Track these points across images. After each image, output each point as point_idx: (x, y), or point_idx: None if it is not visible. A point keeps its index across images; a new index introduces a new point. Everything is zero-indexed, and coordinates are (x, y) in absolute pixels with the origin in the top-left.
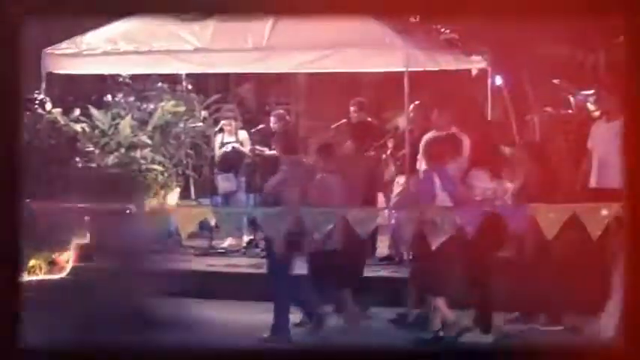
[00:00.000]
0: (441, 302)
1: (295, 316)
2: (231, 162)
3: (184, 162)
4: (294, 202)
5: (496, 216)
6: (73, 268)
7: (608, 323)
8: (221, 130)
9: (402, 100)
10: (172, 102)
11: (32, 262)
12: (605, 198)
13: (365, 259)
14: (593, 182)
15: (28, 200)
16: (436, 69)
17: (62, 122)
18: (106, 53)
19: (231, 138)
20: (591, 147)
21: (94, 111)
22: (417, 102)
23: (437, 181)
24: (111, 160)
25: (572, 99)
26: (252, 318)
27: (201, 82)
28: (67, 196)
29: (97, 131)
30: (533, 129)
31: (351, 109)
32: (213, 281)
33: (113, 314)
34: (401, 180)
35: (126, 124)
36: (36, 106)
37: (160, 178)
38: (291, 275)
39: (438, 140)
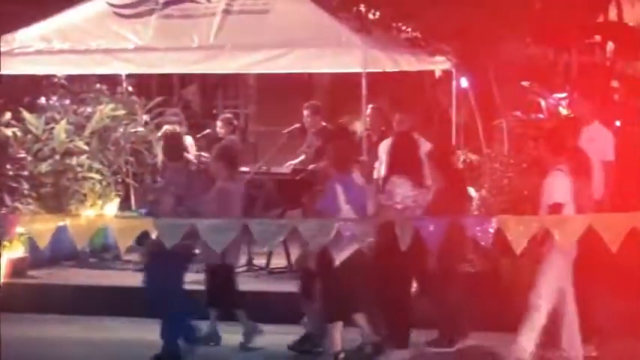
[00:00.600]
0: (360, 318)
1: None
2: None
3: (124, 170)
4: (167, 212)
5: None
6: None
7: (524, 344)
8: None
9: (359, 104)
10: (111, 105)
11: None
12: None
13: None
14: None
15: None
16: (396, 70)
17: None
18: (39, 52)
19: None
20: None
21: (26, 115)
22: (373, 105)
23: (340, 192)
24: (45, 167)
25: (543, 102)
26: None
27: (143, 84)
28: None
29: (29, 136)
30: (501, 134)
31: (305, 112)
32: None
33: None
34: None
35: (61, 129)
36: None
37: (98, 187)
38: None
39: (343, 147)
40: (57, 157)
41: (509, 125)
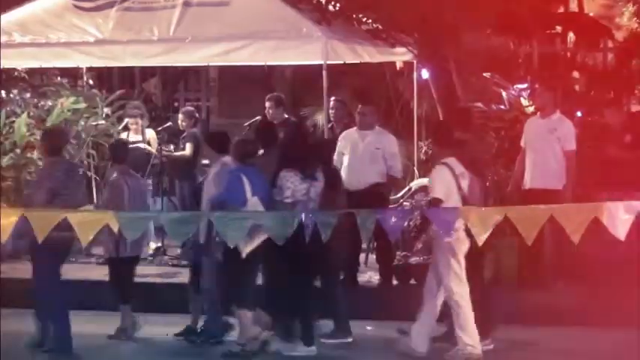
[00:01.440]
0: (246, 314)
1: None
2: (138, 163)
3: (85, 163)
4: (40, 206)
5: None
6: None
7: (467, 340)
8: (126, 128)
9: (321, 95)
10: (72, 98)
11: None
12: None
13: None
14: (527, 183)
15: None
16: (357, 62)
17: None
18: None
19: (137, 137)
20: (525, 145)
21: None
22: (336, 97)
23: (246, 183)
24: (5, 161)
25: (504, 94)
26: None
27: (104, 77)
28: None
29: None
30: None
31: (267, 104)
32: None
33: None
34: None
35: (22, 123)
36: None
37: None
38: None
39: (246, 141)
40: (18, 150)
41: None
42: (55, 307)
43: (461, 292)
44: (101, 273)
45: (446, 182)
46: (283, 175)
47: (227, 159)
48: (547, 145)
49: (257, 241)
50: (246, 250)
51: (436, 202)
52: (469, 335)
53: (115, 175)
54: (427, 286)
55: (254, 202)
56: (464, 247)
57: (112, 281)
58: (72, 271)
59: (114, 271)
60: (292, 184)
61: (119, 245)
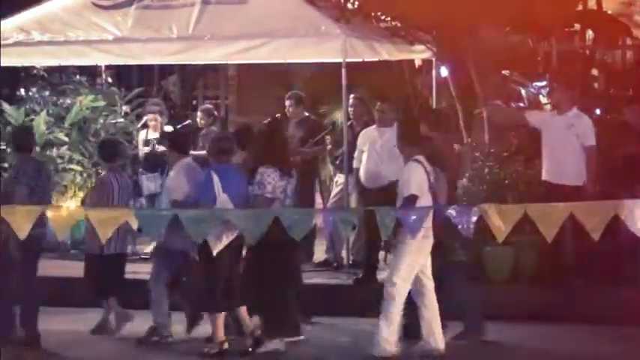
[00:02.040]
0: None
1: None
2: (157, 161)
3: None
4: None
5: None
6: None
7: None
8: (145, 125)
9: (340, 93)
10: (91, 96)
11: None
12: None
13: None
14: (546, 179)
15: None
16: (376, 59)
17: None
18: (18, 44)
19: (155, 134)
20: (545, 142)
21: (5, 106)
22: (355, 95)
23: (217, 181)
24: None
25: (523, 91)
26: None
27: (123, 75)
28: None
29: (9, 128)
30: (482, 123)
31: (287, 102)
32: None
33: None
34: (340, 179)
35: (41, 121)
36: None
37: (79, 178)
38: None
39: (222, 138)
40: (37, 148)
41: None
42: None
43: (401, 286)
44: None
45: (419, 179)
46: (263, 170)
47: (188, 159)
48: (566, 142)
49: (226, 240)
50: (217, 248)
51: (412, 199)
52: (391, 331)
53: (103, 173)
54: (413, 290)
55: (223, 200)
56: (426, 246)
57: (93, 277)
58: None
59: (97, 268)
60: (273, 179)
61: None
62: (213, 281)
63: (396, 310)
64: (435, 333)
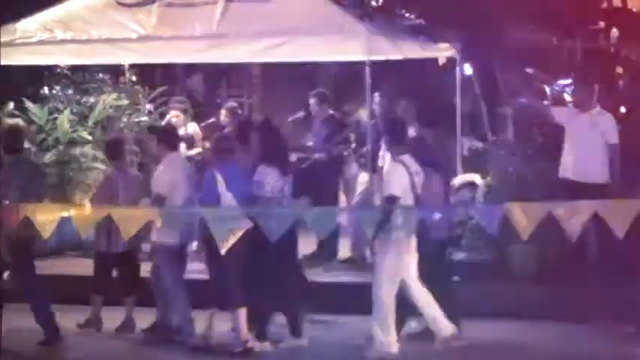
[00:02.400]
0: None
1: None
2: None
3: (128, 160)
4: None
5: None
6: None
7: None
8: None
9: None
10: (114, 95)
11: None
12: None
13: None
14: (570, 177)
15: None
16: (400, 58)
17: None
18: (41, 42)
19: (179, 131)
20: (568, 140)
21: (29, 105)
22: (379, 93)
23: (220, 180)
24: (48, 157)
25: (547, 89)
26: None
27: (146, 74)
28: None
29: (33, 127)
30: (506, 121)
31: (311, 101)
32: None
33: None
34: (364, 178)
35: (64, 119)
36: None
37: (102, 177)
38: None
39: (225, 137)
40: (61, 147)
41: (513, 112)
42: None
43: (389, 289)
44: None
45: (401, 179)
46: (262, 170)
47: (176, 154)
48: (590, 140)
49: (234, 238)
50: (225, 247)
51: (392, 200)
52: (385, 332)
53: (109, 170)
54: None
55: (228, 199)
56: (405, 246)
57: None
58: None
59: (101, 265)
60: (272, 179)
61: (110, 240)
62: (228, 278)
63: (386, 311)
64: (442, 324)
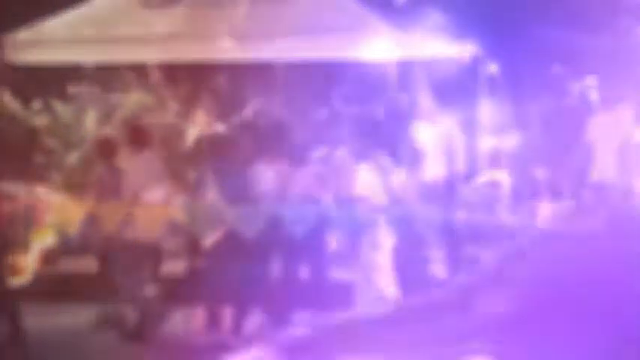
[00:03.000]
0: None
1: None
2: None
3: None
4: None
5: None
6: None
7: None
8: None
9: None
10: (140, 94)
11: None
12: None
13: None
14: (595, 176)
15: None
16: (424, 55)
17: (22, 115)
18: (68, 41)
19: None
20: (592, 138)
21: (56, 103)
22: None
23: (211, 177)
24: (74, 156)
25: (572, 88)
26: None
27: (173, 72)
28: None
29: (59, 125)
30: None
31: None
32: None
33: None
34: None
35: (90, 118)
36: None
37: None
38: None
39: (216, 137)
40: (86, 145)
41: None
42: None
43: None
44: None
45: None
46: (256, 168)
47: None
48: (615, 139)
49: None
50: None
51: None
52: None
53: (103, 168)
54: None
55: (218, 197)
56: (387, 243)
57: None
58: None
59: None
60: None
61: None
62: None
63: None
64: None
